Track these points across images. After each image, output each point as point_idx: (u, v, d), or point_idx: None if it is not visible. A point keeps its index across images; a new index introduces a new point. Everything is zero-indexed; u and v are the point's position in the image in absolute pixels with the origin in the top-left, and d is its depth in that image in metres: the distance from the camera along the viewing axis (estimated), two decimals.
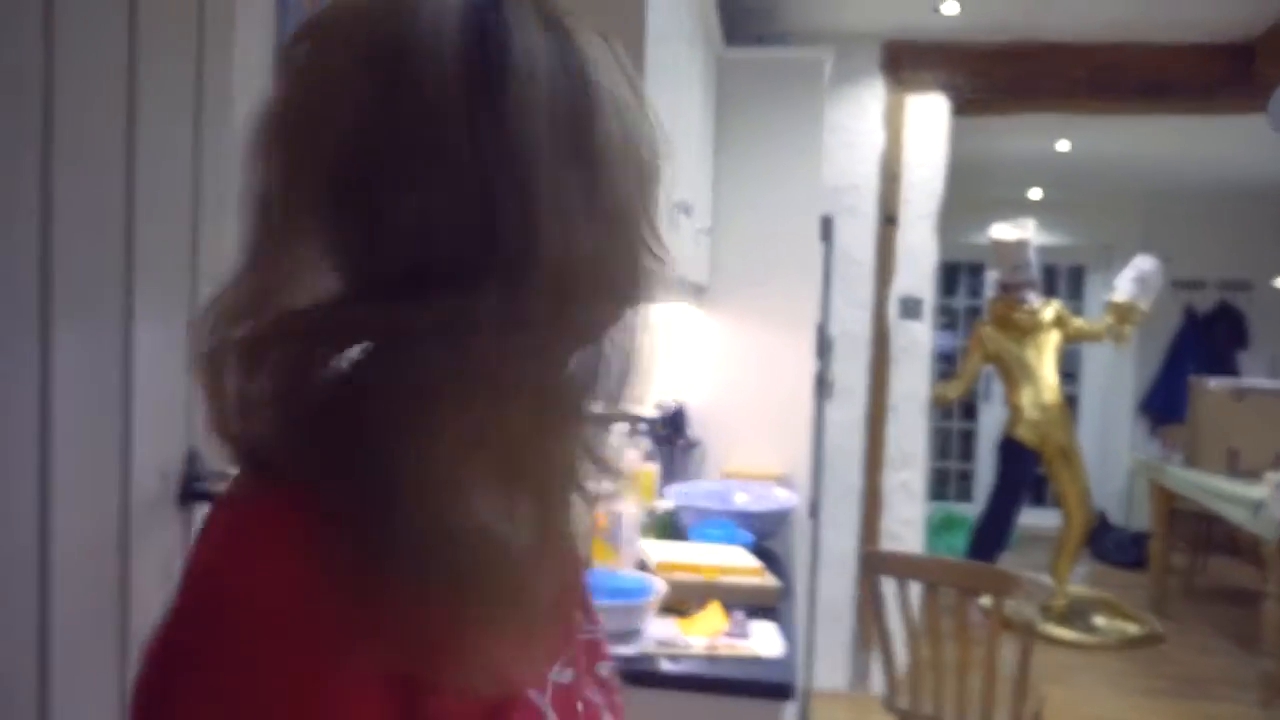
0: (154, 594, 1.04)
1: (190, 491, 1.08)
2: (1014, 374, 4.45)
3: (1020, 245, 4.35)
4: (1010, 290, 4.43)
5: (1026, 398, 4.43)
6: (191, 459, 1.09)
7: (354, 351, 0.51)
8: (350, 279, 0.52)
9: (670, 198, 1.96)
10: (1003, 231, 4.39)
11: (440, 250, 0.49)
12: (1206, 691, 3.89)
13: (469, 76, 0.50)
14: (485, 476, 0.49)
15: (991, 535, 4.60)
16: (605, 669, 0.67)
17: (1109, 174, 5.61)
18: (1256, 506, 3.77)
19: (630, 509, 1.96)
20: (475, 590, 0.47)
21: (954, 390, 4.53)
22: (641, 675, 1.51)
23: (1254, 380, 4.92)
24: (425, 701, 0.47)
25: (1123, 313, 4.38)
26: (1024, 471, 4.61)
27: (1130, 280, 4.38)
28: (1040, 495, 6.05)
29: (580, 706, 0.60)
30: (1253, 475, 4.10)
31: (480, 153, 0.49)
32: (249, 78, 1.30)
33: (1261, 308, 6.23)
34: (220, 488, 0.59)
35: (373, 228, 0.50)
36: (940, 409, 5.21)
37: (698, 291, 2.91)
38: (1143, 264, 4.40)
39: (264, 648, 0.44)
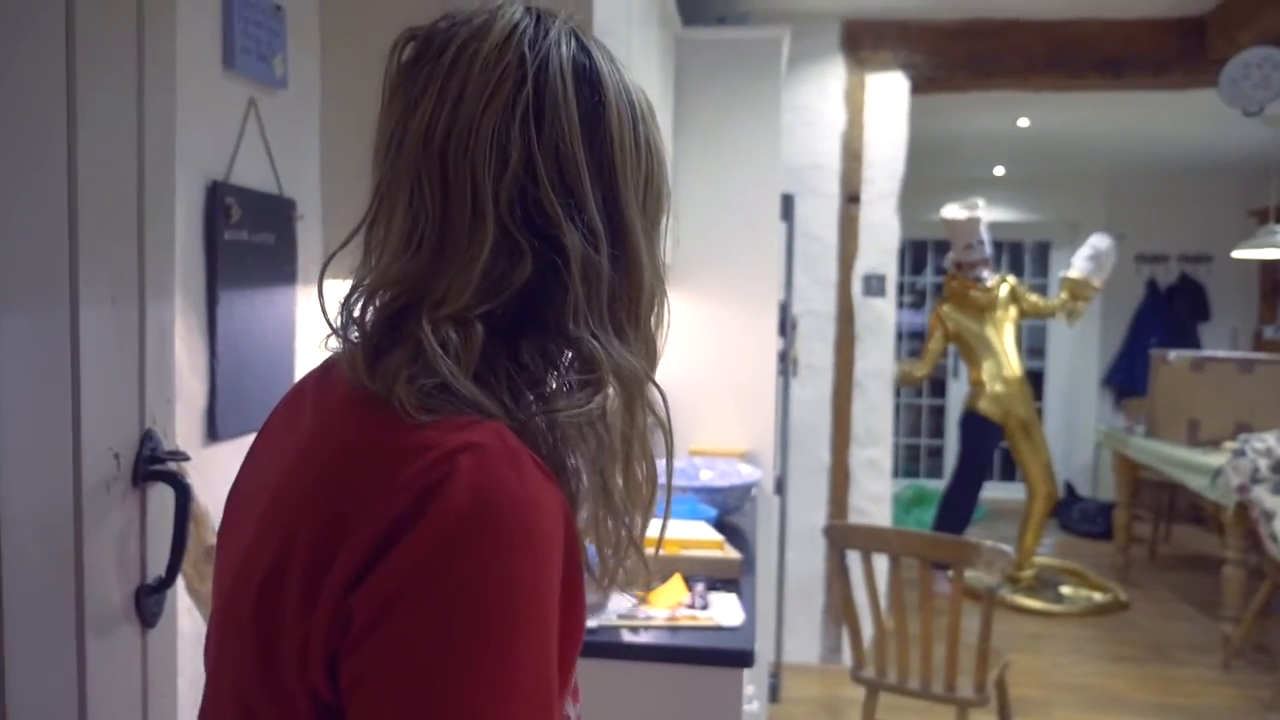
0: (109, 573, 1.06)
1: (145, 471, 1.09)
2: (974, 351, 4.52)
3: (971, 223, 4.41)
4: (964, 269, 4.50)
5: (987, 373, 4.50)
6: (146, 439, 1.10)
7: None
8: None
9: None
10: (953, 211, 4.46)
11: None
12: (1170, 656, 3.99)
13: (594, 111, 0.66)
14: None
15: (957, 509, 4.67)
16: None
17: (1070, 150, 5.68)
18: (1215, 474, 3.85)
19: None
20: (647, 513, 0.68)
21: (919, 369, 4.59)
22: (604, 647, 1.54)
23: (1211, 351, 5.02)
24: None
25: (1077, 288, 4.46)
26: (987, 445, 4.69)
27: (1086, 258, 4.47)
28: (1010, 470, 6.15)
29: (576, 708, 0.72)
30: (1212, 444, 4.20)
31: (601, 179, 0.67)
32: (192, 57, 1.30)
33: (1221, 280, 6.34)
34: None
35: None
36: (908, 388, 5.27)
37: None
38: (1098, 242, 4.48)
39: (551, 542, 0.58)
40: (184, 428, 1.25)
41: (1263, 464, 3.57)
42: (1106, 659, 3.96)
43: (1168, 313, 6.36)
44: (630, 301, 0.67)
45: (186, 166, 1.27)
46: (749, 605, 1.71)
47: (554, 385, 0.65)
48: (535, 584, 0.56)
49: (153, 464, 1.10)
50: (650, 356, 0.70)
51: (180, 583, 1.22)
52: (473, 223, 0.61)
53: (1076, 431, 6.60)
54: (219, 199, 1.34)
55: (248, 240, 1.41)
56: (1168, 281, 6.45)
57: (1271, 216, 4.61)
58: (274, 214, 1.49)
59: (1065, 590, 4.66)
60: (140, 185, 1.07)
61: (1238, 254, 4.66)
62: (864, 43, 3.58)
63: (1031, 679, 3.65)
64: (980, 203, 4.49)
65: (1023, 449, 4.59)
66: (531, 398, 0.64)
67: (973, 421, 4.62)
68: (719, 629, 1.60)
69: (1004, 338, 4.51)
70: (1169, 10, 3.41)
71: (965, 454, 4.75)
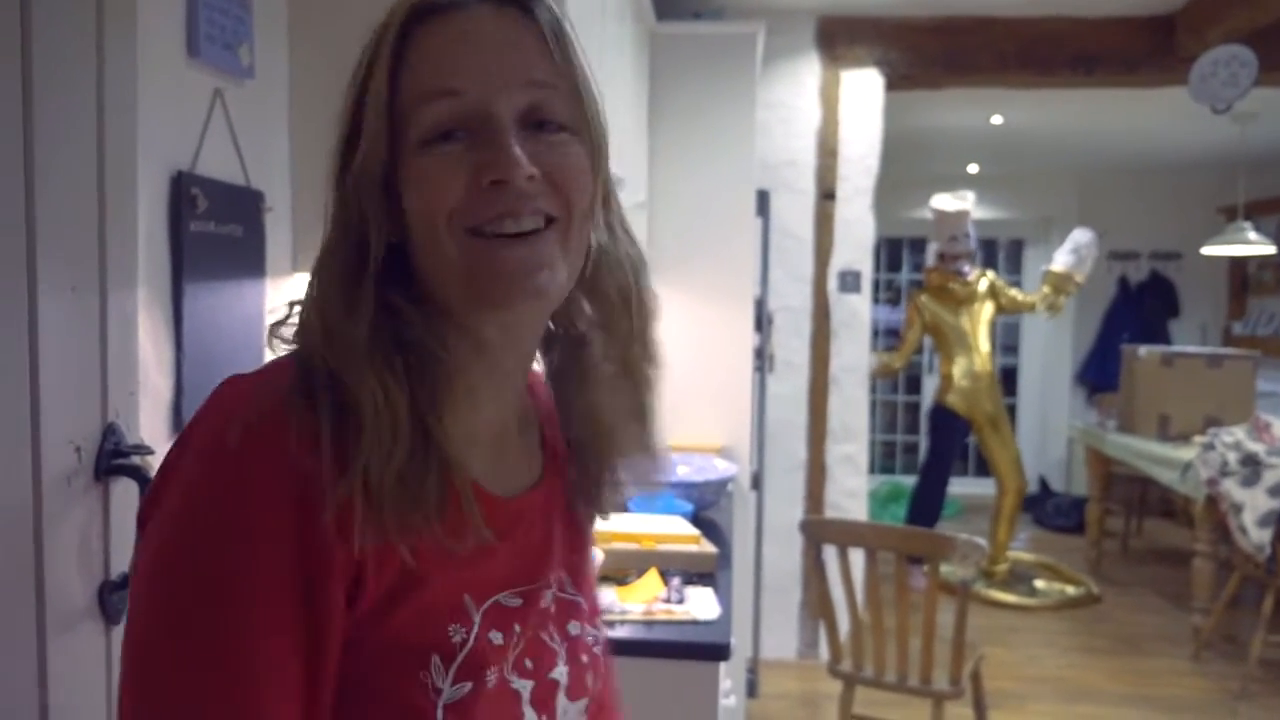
0: (70, 569, 1.03)
1: (108, 465, 1.07)
2: (949, 343, 4.55)
3: (960, 216, 4.45)
4: (947, 260, 4.53)
5: (959, 367, 4.53)
6: (109, 432, 1.08)
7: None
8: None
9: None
10: (943, 202, 4.49)
11: None
12: (1141, 648, 4.03)
13: None
14: None
15: (927, 503, 4.70)
16: (577, 629, 0.74)
17: (1044, 148, 5.72)
18: (1185, 468, 3.90)
19: None
20: None
21: (897, 360, 4.62)
22: None
23: (1181, 348, 5.08)
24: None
25: (1059, 282, 4.49)
26: (953, 439, 4.72)
27: (1068, 252, 4.50)
28: (983, 465, 6.18)
29: (518, 629, 0.67)
30: (1182, 439, 4.25)
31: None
32: (155, 45, 1.28)
33: (1191, 277, 6.42)
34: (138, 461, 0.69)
35: None
36: (884, 379, 5.29)
37: None
38: (1080, 236, 4.53)
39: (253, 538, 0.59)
40: (149, 422, 1.23)
41: (1231, 457, 3.61)
42: (1079, 651, 4.00)
43: (1139, 309, 6.44)
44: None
45: (150, 157, 1.24)
46: (725, 599, 1.70)
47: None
48: (218, 574, 0.56)
49: (115, 457, 1.08)
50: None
51: None
52: None
53: (1050, 427, 6.66)
54: (184, 190, 1.32)
55: (215, 232, 1.39)
56: (1139, 278, 6.52)
57: (1240, 213, 4.67)
58: (242, 206, 1.47)
59: (1039, 584, 4.70)
60: (100, 173, 1.05)
61: (1207, 251, 4.72)
62: (839, 39, 3.59)
63: (1006, 671, 3.68)
64: (970, 195, 4.54)
65: (991, 443, 4.62)
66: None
67: (939, 414, 4.66)
68: (695, 623, 1.59)
69: (978, 332, 4.54)
70: (1139, 8, 3.44)
71: (931, 447, 4.79)
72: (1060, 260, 4.51)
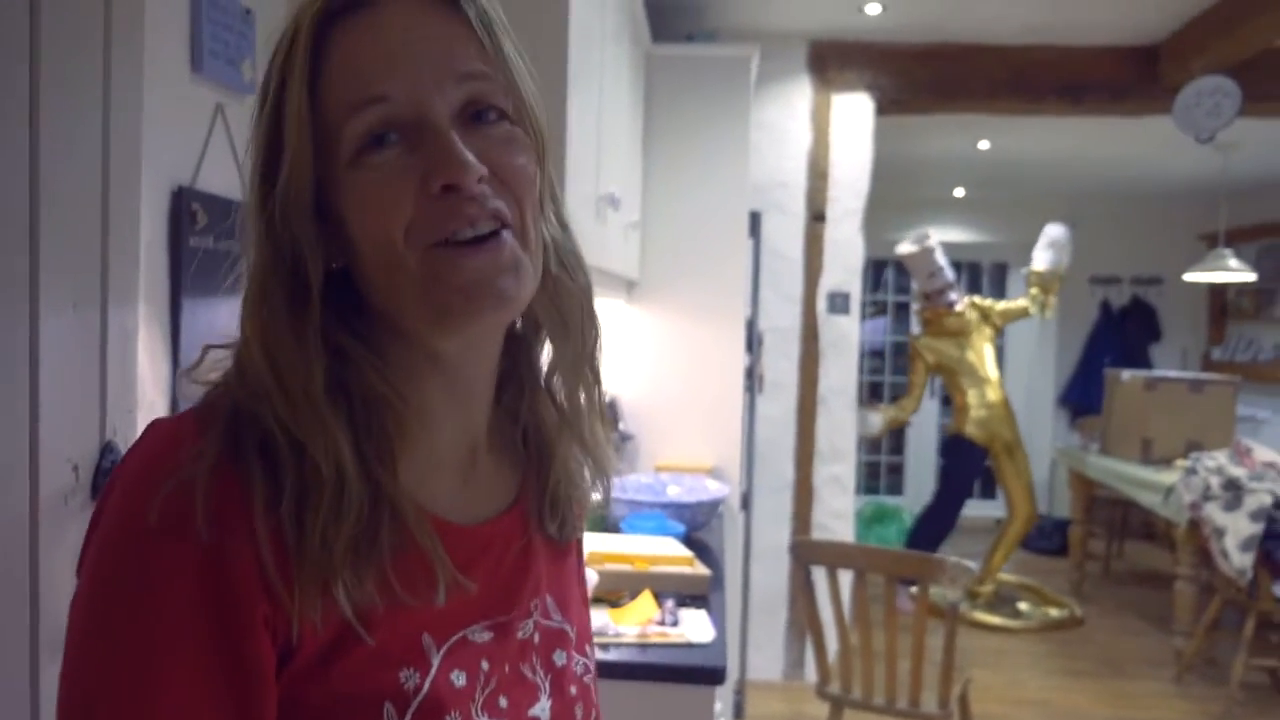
0: (66, 591, 1.01)
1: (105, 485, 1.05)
2: (958, 376, 4.57)
3: (924, 255, 4.49)
4: (932, 298, 4.56)
5: (973, 397, 4.54)
6: (106, 450, 1.06)
7: None
8: None
9: (598, 190, 1.98)
10: (905, 247, 4.57)
11: None
12: (1124, 670, 4.05)
13: None
14: None
15: (934, 529, 4.70)
16: (563, 659, 0.69)
17: (1029, 174, 5.79)
18: (1168, 492, 3.93)
19: None
20: None
21: (906, 410, 4.63)
22: None
23: (1164, 372, 5.13)
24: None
25: (1044, 281, 4.55)
26: (971, 468, 4.74)
27: (1045, 249, 4.57)
28: (980, 488, 6.20)
29: (486, 666, 0.62)
30: (1165, 462, 4.28)
31: None
32: (159, 61, 1.27)
33: (1171, 302, 6.49)
34: None
35: None
36: (895, 428, 5.26)
37: (628, 286, 2.93)
38: (1053, 231, 4.60)
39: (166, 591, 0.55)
40: None
41: (1214, 482, 3.64)
42: (1063, 674, 4.01)
43: (1120, 333, 6.50)
44: None
45: (151, 171, 1.23)
46: (719, 622, 1.70)
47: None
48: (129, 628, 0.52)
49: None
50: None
51: None
52: None
53: (1033, 449, 6.64)
54: (185, 205, 1.31)
55: (213, 248, 1.38)
56: (1120, 303, 6.59)
57: (1220, 240, 4.74)
58: (240, 221, 1.46)
59: (1022, 606, 4.72)
60: (105, 190, 1.04)
61: (1189, 277, 4.78)
62: (830, 63, 3.62)
63: (991, 694, 3.68)
64: (929, 232, 4.59)
65: (1006, 470, 4.64)
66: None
67: (958, 445, 4.66)
68: (690, 646, 1.59)
69: (984, 360, 4.57)
70: (1125, 38, 3.50)
71: (948, 476, 4.78)
72: (1041, 259, 4.57)
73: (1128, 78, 3.56)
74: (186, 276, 1.32)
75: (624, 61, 2.39)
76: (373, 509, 0.56)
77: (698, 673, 1.52)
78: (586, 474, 0.72)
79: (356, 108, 0.55)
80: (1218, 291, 6.37)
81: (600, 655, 1.54)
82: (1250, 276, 4.54)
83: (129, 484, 0.54)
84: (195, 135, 1.37)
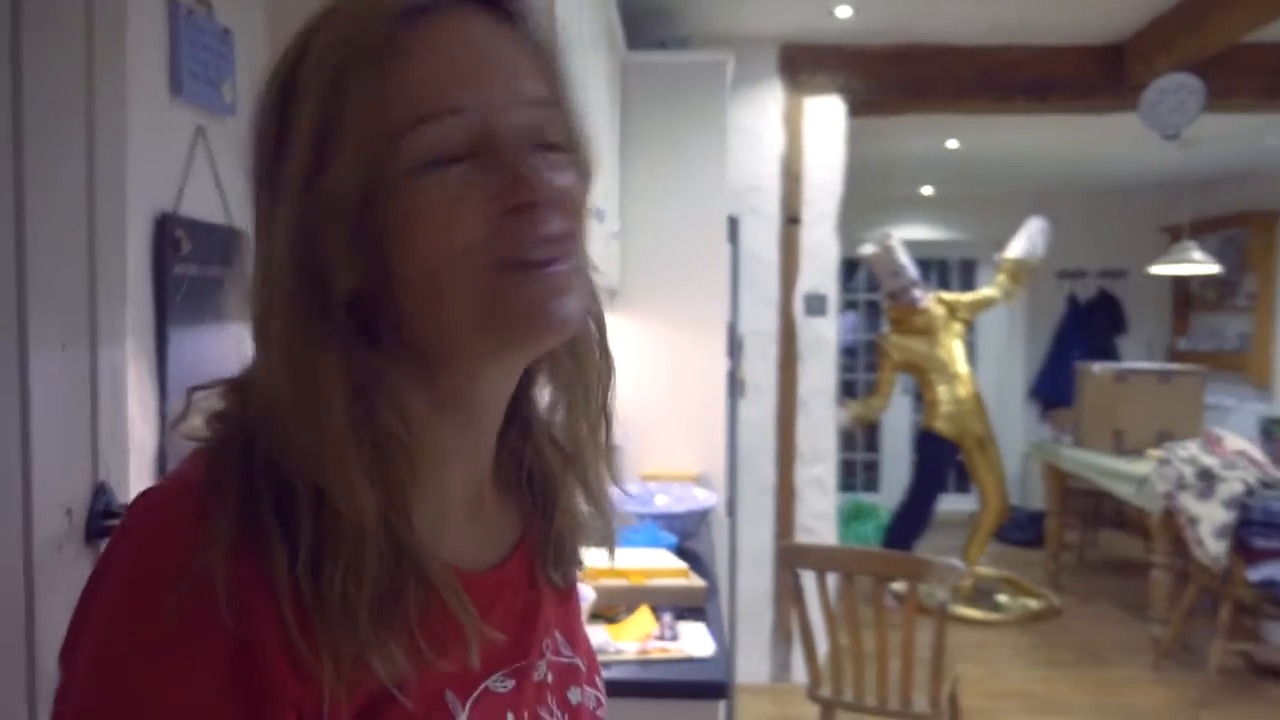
0: (61, 635, 0.98)
1: (99, 528, 1.02)
2: (927, 373, 4.60)
3: (886, 255, 4.53)
4: (897, 296, 4.60)
5: (943, 393, 4.58)
6: (99, 492, 1.03)
7: None
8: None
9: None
10: (866, 249, 4.61)
11: None
12: (1103, 659, 4.11)
13: None
14: None
15: (909, 525, 4.73)
16: (578, 695, 0.67)
17: (996, 171, 5.86)
18: (1140, 482, 3.99)
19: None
20: None
21: (873, 408, 4.66)
22: None
23: (1135, 364, 5.21)
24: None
25: (1015, 269, 4.61)
26: (943, 463, 4.77)
27: (1023, 238, 4.63)
28: (954, 482, 6.26)
29: (510, 718, 0.60)
30: (1136, 453, 4.35)
31: None
32: (138, 85, 1.24)
33: (1136, 294, 6.60)
34: None
35: None
36: (863, 425, 5.31)
37: (610, 295, 2.92)
38: (1034, 223, 4.66)
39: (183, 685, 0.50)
40: (134, 478, 1.18)
41: (1188, 471, 3.71)
42: (1045, 664, 4.06)
43: (1087, 326, 6.59)
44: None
45: (133, 199, 1.20)
46: (718, 634, 1.69)
47: None
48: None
49: (107, 519, 1.03)
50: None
51: None
52: None
53: (1004, 442, 6.72)
54: (168, 232, 1.28)
55: (197, 274, 1.35)
56: (1087, 296, 6.69)
57: (1185, 234, 4.82)
58: (225, 246, 1.43)
59: (1002, 599, 4.77)
60: (91, 224, 1.01)
61: (1154, 270, 4.86)
62: (801, 67, 3.63)
63: (976, 688, 3.71)
64: (890, 232, 4.64)
65: (979, 464, 4.68)
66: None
67: (929, 441, 4.69)
68: (691, 660, 1.58)
69: (954, 355, 4.60)
70: (1091, 37, 3.54)
71: (920, 472, 4.81)
72: (1016, 247, 4.63)
73: (1094, 76, 3.61)
74: (172, 306, 1.29)
75: (601, 70, 2.37)
76: (395, 564, 0.52)
77: (701, 688, 1.52)
78: (591, 518, 0.69)
79: (430, 116, 0.52)
80: (1181, 283, 6.48)
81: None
82: (1215, 268, 4.62)
83: (135, 578, 0.49)
84: (176, 159, 1.34)
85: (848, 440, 6.89)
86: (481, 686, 0.59)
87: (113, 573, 0.51)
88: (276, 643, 0.49)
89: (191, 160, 1.36)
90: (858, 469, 6.98)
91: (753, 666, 3.68)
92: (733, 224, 3.31)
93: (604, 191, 2.32)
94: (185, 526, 0.49)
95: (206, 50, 1.38)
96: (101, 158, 1.03)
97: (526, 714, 0.62)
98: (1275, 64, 3.55)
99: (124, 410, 1.08)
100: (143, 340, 1.24)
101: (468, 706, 0.57)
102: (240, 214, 1.49)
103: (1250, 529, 3.51)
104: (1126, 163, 5.45)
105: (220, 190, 1.43)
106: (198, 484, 0.52)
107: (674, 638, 1.65)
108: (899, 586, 3.68)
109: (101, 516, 1.02)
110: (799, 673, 3.53)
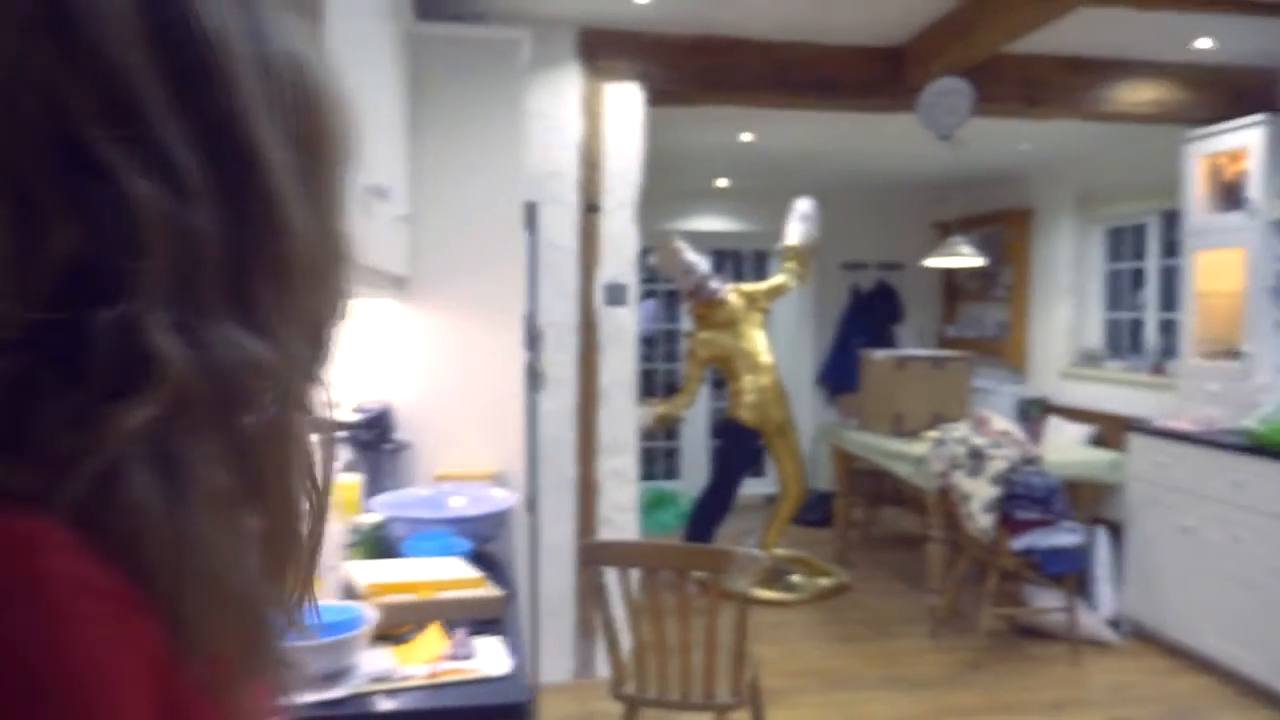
0: None
1: None
2: (734, 365, 4.67)
3: (672, 256, 4.61)
4: (696, 294, 4.66)
5: (747, 383, 4.66)
6: None
7: None
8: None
9: (363, 181, 1.78)
10: (653, 257, 4.71)
11: None
12: (888, 631, 4.34)
13: None
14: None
15: (712, 513, 4.80)
16: None
17: (786, 165, 6.06)
18: (918, 462, 4.24)
19: (331, 528, 1.76)
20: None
21: (679, 406, 4.68)
22: (356, 719, 1.35)
23: (911, 350, 5.55)
24: None
25: (799, 254, 4.78)
26: (746, 451, 4.86)
27: (797, 222, 4.81)
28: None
29: None
30: (914, 435, 4.63)
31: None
32: None
33: (911, 285, 7.07)
34: None
35: None
36: (664, 428, 5.35)
37: (398, 283, 2.72)
38: (802, 206, 4.85)
39: None
40: None
41: (959, 451, 3.97)
42: (837, 640, 4.24)
43: (868, 315, 6.99)
44: (273, 270, 0.46)
45: None
46: (516, 647, 1.58)
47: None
48: None
49: None
50: (314, 346, 0.50)
51: None
52: None
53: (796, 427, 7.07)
54: None
55: None
56: (868, 287, 7.08)
57: (954, 229, 5.18)
58: None
59: (795, 579, 4.95)
60: None
61: (928, 263, 5.19)
62: (600, 52, 3.56)
63: (773, 668, 3.81)
64: (673, 236, 4.76)
65: (780, 451, 4.81)
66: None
67: (731, 429, 4.77)
68: (486, 681, 1.46)
69: (758, 345, 4.70)
70: (874, 39, 3.69)
71: (724, 460, 4.88)
72: (794, 233, 4.81)
73: (876, 76, 3.77)
74: None
75: (385, 40, 2.19)
76: None
77: (498, 711, 1.40)
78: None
79: None
80: (950, 275, 7.00)
81: (387, 704, 1.38)
82: (980, 261, 4.99)
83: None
84: None
85: (648, 434, 6.97)
86: None
87: None
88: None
89: None
90: (658, 457, 7.06)
91: (555, 664, 3.60)
92: (531, 211, 3.19)
93: (389, 169, 2.13)
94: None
95: None
96: None
97: None
98: (1031, 74, 3.85)
99: None
100: None
101: None
102: None
103: (1013, 503, 3.80)
104: (904, 161, 5.79)
105: None
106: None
107: (468, 656, 1.52)
108: (701, 574, 3.71)
109: None
110: (603, 668, 3.48)
